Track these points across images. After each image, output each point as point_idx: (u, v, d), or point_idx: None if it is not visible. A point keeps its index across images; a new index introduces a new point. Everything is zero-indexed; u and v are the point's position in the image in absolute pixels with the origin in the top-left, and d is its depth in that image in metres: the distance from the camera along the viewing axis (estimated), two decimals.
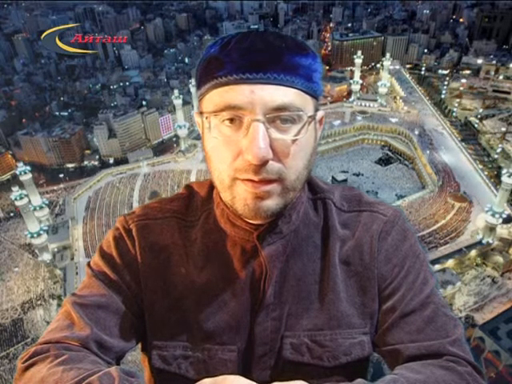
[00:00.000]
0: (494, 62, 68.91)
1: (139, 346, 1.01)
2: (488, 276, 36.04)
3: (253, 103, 0.73)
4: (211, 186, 0.97)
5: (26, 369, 0.79)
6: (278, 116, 0.75)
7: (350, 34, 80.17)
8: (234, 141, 0.76)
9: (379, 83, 61.05)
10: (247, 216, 0.83)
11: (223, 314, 0.90)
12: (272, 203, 0.79)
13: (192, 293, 0.92)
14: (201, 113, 0.82)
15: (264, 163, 0.74)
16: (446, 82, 66.89)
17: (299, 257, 0.92)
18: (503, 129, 54.46)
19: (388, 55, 63.69)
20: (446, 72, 70.28)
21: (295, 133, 0.77)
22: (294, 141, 0.77)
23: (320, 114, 0.85)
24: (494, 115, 59.31)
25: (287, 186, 0.80)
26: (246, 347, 0.91)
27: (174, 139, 59.46)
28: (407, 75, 69.37)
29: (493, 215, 35.69)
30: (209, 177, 0.85)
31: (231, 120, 0.76)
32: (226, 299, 0.91)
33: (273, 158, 0.75)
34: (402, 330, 0.89)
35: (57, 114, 67.15)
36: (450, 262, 34.91)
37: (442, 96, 64.84)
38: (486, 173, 45.56)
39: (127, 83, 70.86)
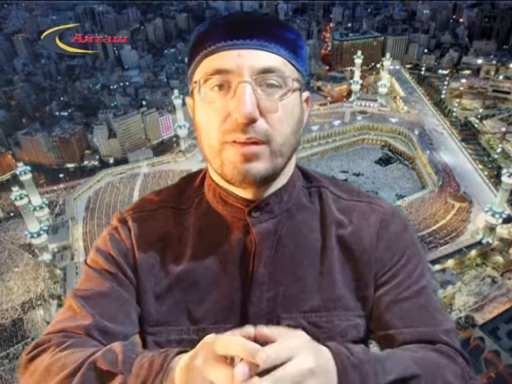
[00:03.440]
0: (494, 62, 68.85)
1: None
2: (488, 276, 36.02)
3: (240, 66, 0.77)
4: (203, 175, 1.00)
5: (30, 361, 0.80)
6: (265, 78, 0.78)
7: (350, 34, 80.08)
8: (222, 105, 0.79)
9: (379, 83, 61.09)
10: (236, 180, 0.83)
11: (216, 293, 0.92)
12: (261, 166, 0.81)
13: (186, 277, 0.93)
14: (191, 92, 0.85)
15: (251, 121, 0.76)
16: (445, 82, 66.82)
17: (293, 238, 0.93)
18: (503, 129, 54.41)
19: (388, 55, 63.78)
20: (446, 72, 70.20)
21: (281, 95, 0.80)
22: (280, 101, 0.80)
23: (306, 94, 0.88)
24: (494, 115, 59.29)
25: (275, 149, 0.81)
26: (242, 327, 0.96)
27: (174, 139, 59.42)
28: (407, 75, 69.36)
29: (493, 215, 35.67)
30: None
31: (220, 86, 0.79)
32: (219, 278, 0.92)
33: (259, 119, 0.78)
34: (395, 315, 0.91)
35: (57, 114, 67.02)
36: (450, 262, 34.89)
37: (442, 96, 64.80)
38: (486, 173, 45.54)
39: (127, 83, 70.79)
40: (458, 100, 62.82)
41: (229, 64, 0.77)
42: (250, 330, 0.64)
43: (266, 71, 0.78)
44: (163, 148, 60.74)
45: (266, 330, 0.65)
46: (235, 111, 0.76)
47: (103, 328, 0.86)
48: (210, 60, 0.80)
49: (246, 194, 0.90)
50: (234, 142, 0.79)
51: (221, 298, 0.91)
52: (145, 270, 0.95)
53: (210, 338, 0.65)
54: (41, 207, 40.47)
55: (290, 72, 0.82)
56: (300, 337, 0.66)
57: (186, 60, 0.88)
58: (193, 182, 1.03)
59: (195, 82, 0.83)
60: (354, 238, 0.95)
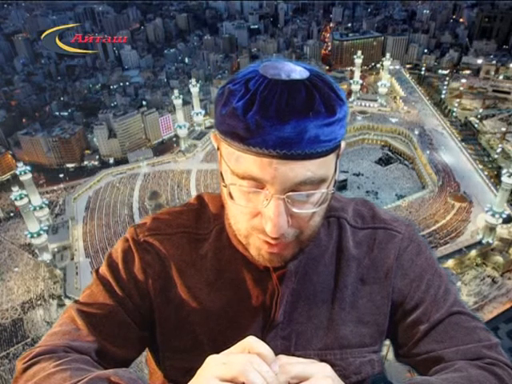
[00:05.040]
0: (494, 62, 68.83)
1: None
2: (488, 276, 36.04)
3: (275, 178, 0.72)
4: (222, 202, 0.93)
5: (25, 370, 0.78)
6: (300, 189, 0.74)
7: (350, 34, 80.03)
8: (253, 202, 0.76)
9: (379, 83, 61.02)
10: (261, 262, 0.84)
11: (233, 331, 0.90)
12: (287, 254, 0.81)
13: (202, 309, 0.92)
14: (218, 149, 0.82)
15: (281, 236, 0.76)
16: (446, 82, 66.78)
17: (309, 277, 0.92)
18: (503, 129, 54.43)
19: (388, 55, 63.70)
20: (446, 72, 70.20)
21: (315, 202, 0.77)
22: (314, 212, 0.78)
23: (342, 147, 0.84)
24: (494, 115, 59.28)
25: (303, 239, 0.81)
26: None
27: (174, 139, 59.48)
28: (407, 75, 69.37)
29: (493, 215, 35.68)
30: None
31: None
32: (238, 318, 0.91)
33: (290, 226, 0.76)
34: (433, 340, 0.90)
35: (57, 114, 67.02)
36: (450, 262, 34.92)
37: (442, 96, 64.78)
38: (486, 173, 45.56)
39: (127, 83, 70.75)
40: (458, 100, 62.80)
41: (263, 175, 0.72)
42: (249, 343, 0.65)
43: (302, 183, 0.73)
44: (163, 148, 60.70)
45: (286, 359, 0.65)
46: (266, 225, 0.74)
47: (102, 350, 0.86)
48: (242, 160, 0.74)
49: None
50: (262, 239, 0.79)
51: (237, 335, 0.86)
52: (159, 296, 0.93)
53: (211, 361, 0.65)
54: (41, 207, 40.47)
55: (328, 163, 0.77)
56: (325, 366, 0.66)
57: (215, 116, 0.80)
58: (212, 207, 0.99)
59: (225, 161, 0.79)
60: (371, 272, 0.94)
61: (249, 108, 0.72)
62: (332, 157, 0.78)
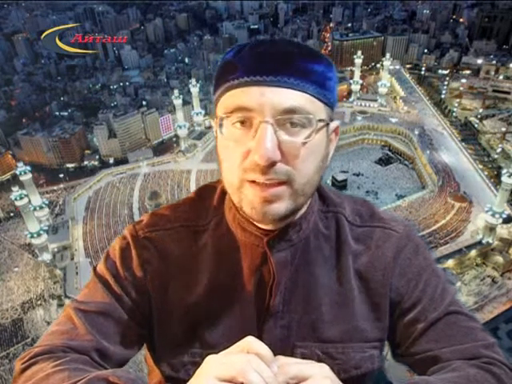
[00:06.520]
0: (494, 62, 68.81)
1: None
2: (488, 276, 36.01)
3: (262, 105, 0.74)
4: (224, 190, 0.93)
5: (24, 370, 0.78)
6: (288, 119, 0.75)
7: (350, 34, 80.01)
8: (243, 142, 0.76)
9: (379, 83, 60.97)
10: (255, 219, 0.82)
11: (231, 321, 0.90)
12: (281, 206, 0.79)
13: (203, 303, 0.91)
14: (216, 117, 0.83)
15: (271, 164, 0.74)
16: (446, 82, 66.77)
17: (308, 267, 0.92)
18: (503, 129, 54.40)
19: (388, 55, 63.62)
20: (446, 72, 70.18)
21: (305, 136, 0.76)
22: (303, 143, 0.76)
23: (334, 124, 0.85)
24: (494, 115, 59.24)
25: (297, 189, 0.79)
26: None
27: (174, 139, 59.44)
28: (407, 75, 69.31)
29: (493, 215, 35.64)
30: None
31: (242, 122, 0.77)
32: (235, 305, 0.91)
33: (281, 160, 0.75)
34: (430, 339, 0.90)
35: (57, 114, 67.02)
36: (450, 262, 34.90)
37: (442, 96, 64.75)
38: (486, 173, 45.52)
39: (127, 83, 70.79)
40: (457, 100, 62.77)
41: (251, 102, 0.74)
42: (248, 344, 0.65)
43: (290, 111, 0.75)
44: (163, 148, 60.69)
45: (285, 359, 0.66)
46: (255, 152, 0.74)
47: (101, 349, 0.85)
48: (232, 95, 0.77)
49: (265, 225, 0.88)
50: (254, 181, 0.77)
51: (235, 325, 0.89)
52: (158, 292, 0.93)
53: (210, 361, 0.65)
54: (41, 207, 40.44)
55: (316, 109, 0.78)
56: (323, 366, 0.66)
57: (213, 84, 0.85)
58: (211, 198, 0.99)
59: (217, 117, 0.81)
60: (370, 269, 0.94)
61: (238, 53, 0.79)
62: (323, 107, 0.80)
